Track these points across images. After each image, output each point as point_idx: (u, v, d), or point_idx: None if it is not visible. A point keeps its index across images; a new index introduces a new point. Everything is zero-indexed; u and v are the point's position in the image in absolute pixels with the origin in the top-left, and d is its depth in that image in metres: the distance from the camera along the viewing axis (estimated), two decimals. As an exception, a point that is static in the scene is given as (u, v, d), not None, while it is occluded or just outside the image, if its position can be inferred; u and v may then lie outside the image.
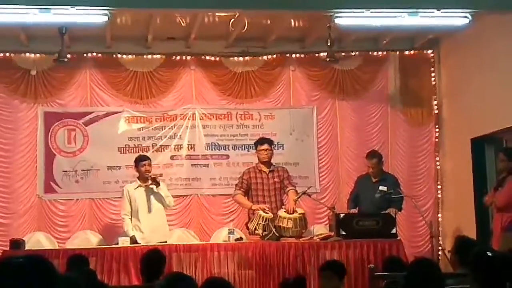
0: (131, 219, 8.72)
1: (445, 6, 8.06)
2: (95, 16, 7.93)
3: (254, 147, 9.15)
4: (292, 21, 9.89)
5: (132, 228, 8.68)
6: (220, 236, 9.26)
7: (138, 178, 8.85)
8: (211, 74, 10.67)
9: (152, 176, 8.73)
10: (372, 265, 6.70)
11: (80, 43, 10.08)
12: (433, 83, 11.05)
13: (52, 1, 7.48)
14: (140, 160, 8.82)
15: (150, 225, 8.71)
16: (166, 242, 8.47)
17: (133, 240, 8.53)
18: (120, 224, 9.24)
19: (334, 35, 9.40)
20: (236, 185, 8.97)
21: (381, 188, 9.00)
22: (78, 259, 6.47)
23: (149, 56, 10.48)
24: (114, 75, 10.48)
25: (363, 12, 8.04)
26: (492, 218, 8.69)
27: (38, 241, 9.15)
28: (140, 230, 8.67)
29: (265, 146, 8.92)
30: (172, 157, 10.49)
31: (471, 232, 8.98)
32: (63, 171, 10.23)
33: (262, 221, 8.38)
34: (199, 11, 8.99)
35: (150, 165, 8.80)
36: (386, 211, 8.69)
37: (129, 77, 10.47)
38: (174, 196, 9.49)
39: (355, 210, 8.98)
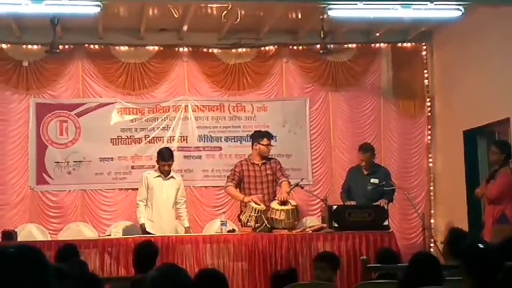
0: (146, 205, 8.70)
1: (438, -2, 8.07)
2: (88, 7, 7.92)
3: (257, 139, 8.81)
4: (285, 13, 9.87)
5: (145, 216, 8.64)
6: (213, 228, 9.26)
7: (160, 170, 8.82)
8: (204, 65, 10.64)
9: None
10: (364, 257, 6.72)
11: (72, 34, 10.04)
12: (426, 75, 11.06)
13: (44, -9, 7.45)
14: (162, 160, 8.71)
15: (162, 215, 8.69)
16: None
17: (143, 229, 8.52)
18: (112, 216, 9.24)
19: (327, 27, 9.38)
20: (228, 177, 8.92)
21: (372, 180, 8.99)
22: (68, 249, 6.37)
23: (142, 48, 10.45)
24: (107, 66, 10.45)
25: (356, 4, 8.04)
26: (483, 210, 8.71)
27: (30, 232, 9.15)
28: (151, 219, 8.65)
29: (270, 141, 8.80)
30: (164, 149, 10.47)
31: (463, 224, 8.98)
32: (55, 162, 10.21)
33: (254, 213, 8.36)
34: (191, 2, 8.97)
35: (170, 166, 8.73)
36: (377, 202, 8.70)
37: (121, 68, 10.44)
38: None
39: (353, 202, 8.87)
